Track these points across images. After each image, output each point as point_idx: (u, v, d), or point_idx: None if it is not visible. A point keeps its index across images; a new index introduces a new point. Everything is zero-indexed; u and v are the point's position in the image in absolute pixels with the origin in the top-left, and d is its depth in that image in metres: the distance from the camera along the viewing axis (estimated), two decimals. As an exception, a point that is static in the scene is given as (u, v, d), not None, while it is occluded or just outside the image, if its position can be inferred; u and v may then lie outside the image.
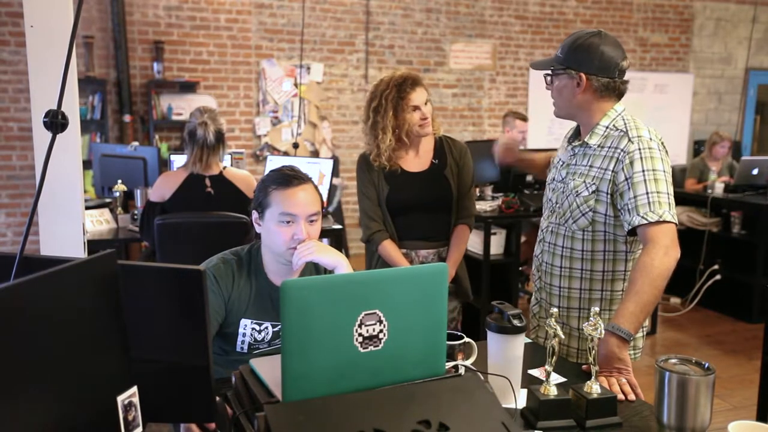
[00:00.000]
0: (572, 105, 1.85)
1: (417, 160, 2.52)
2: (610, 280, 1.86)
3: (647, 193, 1.71)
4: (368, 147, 2.51)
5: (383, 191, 2.48)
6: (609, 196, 1.79)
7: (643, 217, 1.69)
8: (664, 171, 1.75)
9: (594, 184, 1.81)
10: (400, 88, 2.41)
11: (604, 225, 1.82)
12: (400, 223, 2.50)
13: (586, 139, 1.86)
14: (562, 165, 1.95)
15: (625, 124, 1.82)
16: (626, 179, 1.74)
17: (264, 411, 1.15)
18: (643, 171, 1.73)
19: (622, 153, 1.77)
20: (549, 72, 1.88)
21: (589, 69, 1.79)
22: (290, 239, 1.77)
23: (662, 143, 1.80)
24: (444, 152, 2.55)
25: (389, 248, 2.47)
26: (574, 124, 1.99)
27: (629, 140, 1.77)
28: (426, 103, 2.45)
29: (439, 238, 2.52)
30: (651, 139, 1.77)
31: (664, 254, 1.66)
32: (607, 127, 1.83)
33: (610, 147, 1.81)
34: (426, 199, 2.49)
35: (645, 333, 1.94)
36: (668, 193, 1.72)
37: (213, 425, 1.36)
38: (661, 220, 1.68)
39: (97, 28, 5.78)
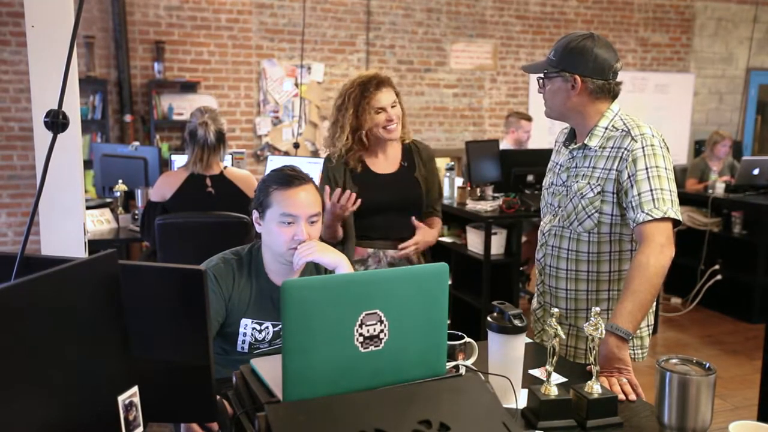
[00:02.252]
0: (566, 107, 1.86)
1: (385, 163, 2.48)
2: (617, 280, 1.86)
3: (651, 190, 1.72)
4: (327, 147, 2.45)
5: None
6: (615, 195, 1.79)
7: (647, 214, 1.70)
8: (666, 168, 1.75)
9: (599, 185, 1.81)
10: (364, 87, 2.34)
11: (611, 226, 1.82)
12: (369, 223, 2.44)
13: (585, 141, 1.86)
14: (560, 168, 1.95)
15: (624, 123, 1.82)
16: (629, 177, 1.75)
17: (265, 411, 1.15)
18: (647, 168, 1.74)
19: (625, 152, 1.77)
20: (542, 75, 1.88)
21: (584, 71, 1.79)
22: (291, 239, 1.77)
23: (663, 140, 1.80)
24: (412, 155, 2.52)
25: None
26: (563, 125, 2.00)
27: (632, 139, 1.78)
28: (394, 106, 2.37)
29: (407, 239, 2.48)
30: (653, 136, 1.78)
31: (659, 252, 1.67)
32: (606, 128, 1.84)
33: (613, 147, 1.81)
34: (395, 200, 2.46)
35: (650, 332, 1.94)
36: (671, 190, 1.74)
37: (214, 425, 1.36)
38: (665, 216, 1.69)
39: (98, 28, 5.78)
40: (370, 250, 2.47)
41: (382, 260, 2.49)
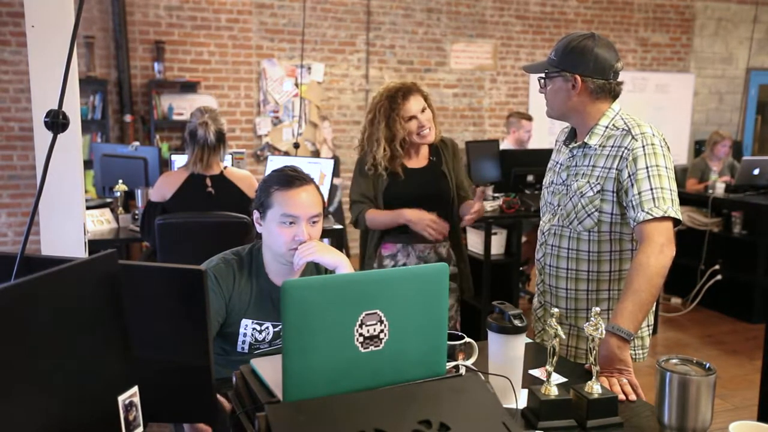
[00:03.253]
0: (567, 107, 1.86)
1: (416, 159, 2.57)
2: (617, 280, 1.86)
3: (651, 189, 1.72)
4: (367, 162, 2.54)
5: (382, 185, 2.51)
6: (615, 194, 1.79)
7: (647, 213, 1.70)
8: (667, 167, 1.75)
9: (599, 183, 1.81)
10: (392, 99, 2.44)
11: (611, 225, 1.82)
12: None
13: (585, 140, 1.86)
14: (561, 167, 1.95)
15: (625, 122, 1.82)
16: (630, 176, 1.75)
17: (265, 411, 1.15)
18: (647, 167, 1.74)
19: (626, 151, 1.77)
20: (543, 75, 1.88)
21: (585, 71, 1.80)
22: (291, 240, 1.77)
23: (664, 140, 1.80)
24: (439, 150, 2.61)
25: (374, 213, 2.49)
26: (564, 125, 2.00)
27: (633, 138, 1.78)
28: (424, 111, 2.46)
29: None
30: (654, 135, 1.78)
31: (659, 252, 1.67)
32: (606, 127, 1.84)
33: (613, 146, 1.81)
34: (425, 193, 2.51)
35: (651, 332, 1.94)
36: (671, 189, 1.73)
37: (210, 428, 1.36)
38: (665, 215, 1.69)
39: (98, 28, 5.78)
40: (399, 245, 2.53)
41: (411, 255, 2.52)
